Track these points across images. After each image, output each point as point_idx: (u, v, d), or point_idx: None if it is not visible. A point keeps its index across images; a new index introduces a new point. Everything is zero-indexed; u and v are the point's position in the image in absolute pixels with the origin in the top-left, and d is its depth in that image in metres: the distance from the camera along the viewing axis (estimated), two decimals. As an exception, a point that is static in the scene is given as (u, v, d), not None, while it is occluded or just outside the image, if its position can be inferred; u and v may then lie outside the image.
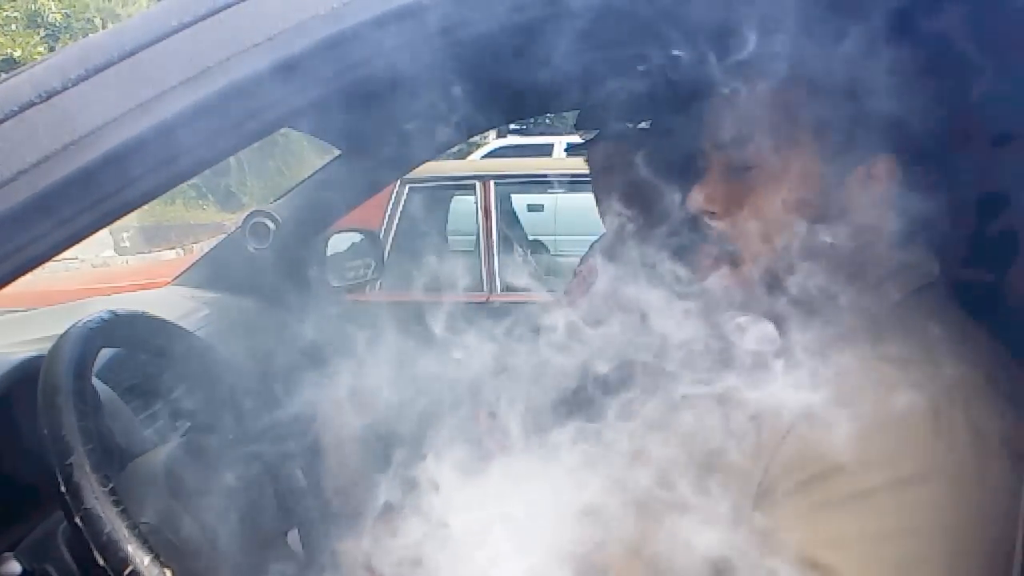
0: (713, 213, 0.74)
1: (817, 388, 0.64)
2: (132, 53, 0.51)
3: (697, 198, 0.74)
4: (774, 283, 0.72)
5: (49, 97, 0.50)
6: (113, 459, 0.79)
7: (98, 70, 0.50)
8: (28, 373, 0.81)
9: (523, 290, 3.17)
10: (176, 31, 0.50)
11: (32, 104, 0.50)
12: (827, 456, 0.60)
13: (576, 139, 1.37)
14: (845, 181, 0.69)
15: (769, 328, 0.76)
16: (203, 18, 0.50)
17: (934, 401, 0.60)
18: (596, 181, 1.31)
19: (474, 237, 3.14)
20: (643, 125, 1.22)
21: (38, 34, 8.84)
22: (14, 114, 0.49)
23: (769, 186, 0.70)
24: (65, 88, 0.50)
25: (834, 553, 0.58)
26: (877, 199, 0.69)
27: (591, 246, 1.63)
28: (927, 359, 0.62)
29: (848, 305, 0.70)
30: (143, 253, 7.75)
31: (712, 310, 0.88)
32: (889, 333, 0.66)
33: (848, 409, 0.61)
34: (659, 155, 1.19)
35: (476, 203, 3.03)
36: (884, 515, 0.58)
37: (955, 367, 0.62)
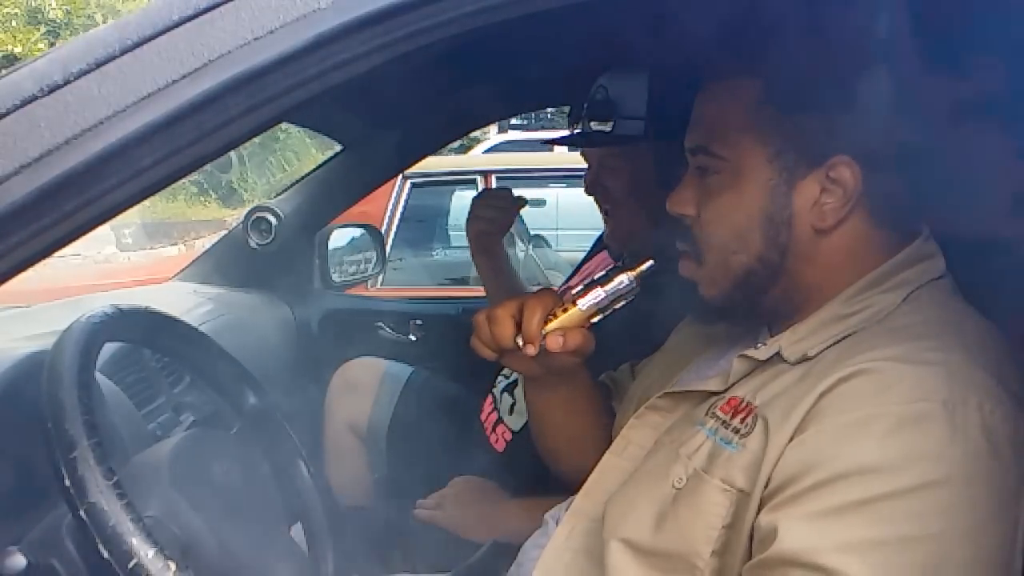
0: (685, 216, 0.75)
1: (824, 392, 0.62)
2: (134, 47, 0.51)
3: (672, 201, 0.76)
4: (757, 285, 0.72)
5: (51, 91, 0.50)
6: (117, 453, 0.79)
7: (99, 64, 0.50)
8: (32, 368, 0.82)
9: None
10: (177, 25, 0.50)
11: (34, 98, 0.50)
12: (837, 461, 0.59)
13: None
14: (800, 185, 0.69)
15: (764, 331, 0.76)
16: (204, 11, 0.50)
17: (948, 403, 0.58)
18: (595, 174, 1.30)
19: (476, 232, 3.13)
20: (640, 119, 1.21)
21: (39, 31, 8.83)
22: (16, 108, 0.49)
23: (727, 191, 0.71)
24: (67, 82, 0.50)
25: (844, 558, 0.56)
26: (842, 200, 0.68)
27: (595, 242, 1.63)
28: (938, 360, 0.61)
29: (848, 305, 0.69)
30: (145, 249, 7.75)
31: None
32: (896, 333, 0.65)
33: (858, 412, 0.60)
34: (658, 150, 1.19)
35: (478, 198, 3.02)
36: (899, 521, 0.56)
37: (967, 367, 0.61)
